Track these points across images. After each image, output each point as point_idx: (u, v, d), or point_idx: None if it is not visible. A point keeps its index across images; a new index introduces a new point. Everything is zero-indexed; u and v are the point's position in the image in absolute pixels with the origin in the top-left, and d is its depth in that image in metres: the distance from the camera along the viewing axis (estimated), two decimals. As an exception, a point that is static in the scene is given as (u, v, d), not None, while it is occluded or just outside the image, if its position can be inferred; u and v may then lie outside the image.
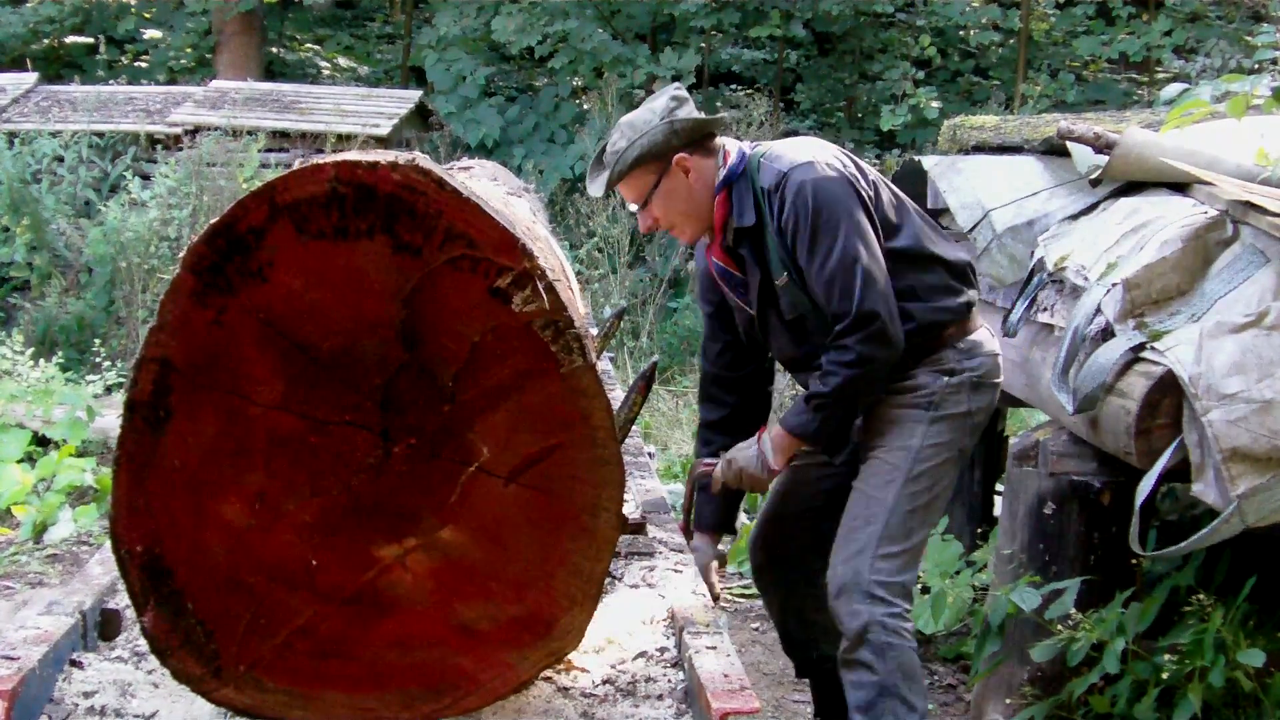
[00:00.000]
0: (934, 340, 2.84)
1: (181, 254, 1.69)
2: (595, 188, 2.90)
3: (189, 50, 14.68)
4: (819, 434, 2.83)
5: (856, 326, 2.68)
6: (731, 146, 2.90)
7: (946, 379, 2.83)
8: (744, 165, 2.85)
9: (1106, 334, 3.14)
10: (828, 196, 2.70)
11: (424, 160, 1.67)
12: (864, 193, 2.77)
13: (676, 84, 2.98)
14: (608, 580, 2.48)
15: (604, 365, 4.60)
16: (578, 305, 2.31)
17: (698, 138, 2.85)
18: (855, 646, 2.78)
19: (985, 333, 2.95)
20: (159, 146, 10.25)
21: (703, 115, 2.89)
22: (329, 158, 1.67)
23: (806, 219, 2.70)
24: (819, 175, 2.73)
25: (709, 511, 3.08)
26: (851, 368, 2.71)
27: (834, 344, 2.73)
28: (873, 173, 2.90)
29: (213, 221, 1.67)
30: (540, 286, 1.65)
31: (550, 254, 2.13)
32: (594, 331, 4.31)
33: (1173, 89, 3.88)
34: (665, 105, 2.84)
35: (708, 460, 3.05)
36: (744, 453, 2.91)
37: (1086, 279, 3.33)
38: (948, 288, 2.87)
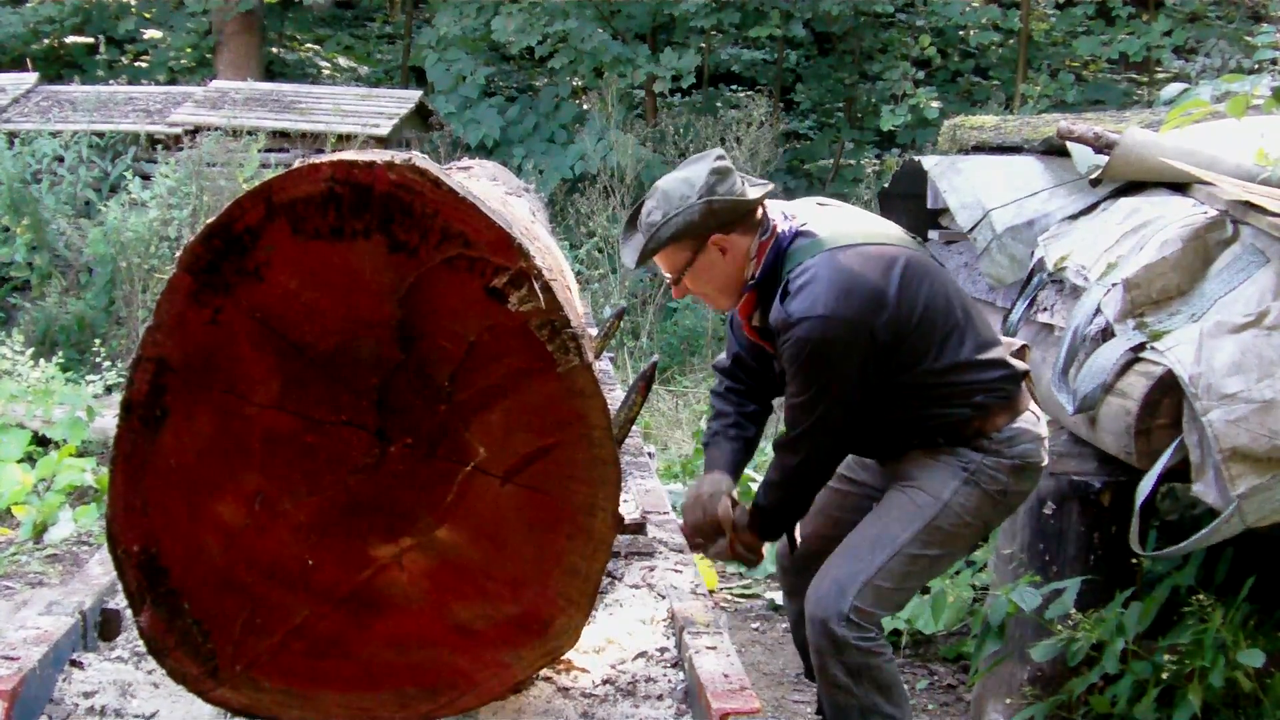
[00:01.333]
0: (967, 432, 2.75)
1: (178, 254, 1.69)
2: (628, 256, 2.81)
3: (189, 50, 14.69)
4: (765, 532, 2.90)
5: (788, 449, 2.77)
6: (769, 234, 2.74)
7: (986, 457, 2.74)
8: (775, 265, 2.72)
9: (1106, 334, 3.14)
10: (818, 361, 2.61)
11: (420, 160, 1.66)
12: (879, 340, 2.62)
13: (719, 153, 2.79)
14: (608, 580, 2.48)
15: (604, 365, 4.59)
16: (575, 305, 2.30)
17: (737, 217, 2.72)
18: (826, 666, 2.76)
19: (1030, 416, 2.79)
20: (159, 146, 10.25)
21: (743, 191, 2.73)
22: (325, 158, 1.67)
23: (794, 364, 2.65)
24: (824, 335, 2.58)
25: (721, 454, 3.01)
26: (778, 490, 2.83)
27: (774, 446, 2.83)
28: (911, 286, 2.67)
29: (209, 221, 1.67)
30: (536, 286, 1.65)
31: (548, 253, 2.12)
32: (594, 331, 4.30)
33: (1173, 89, 3.88)
34: (705, 181, 2.69)
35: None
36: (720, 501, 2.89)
37: (1086, 279, 3.33)
38: (980, 388, 2.72)
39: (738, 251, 2.74)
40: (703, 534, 2.87)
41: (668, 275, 2.83)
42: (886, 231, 2.84)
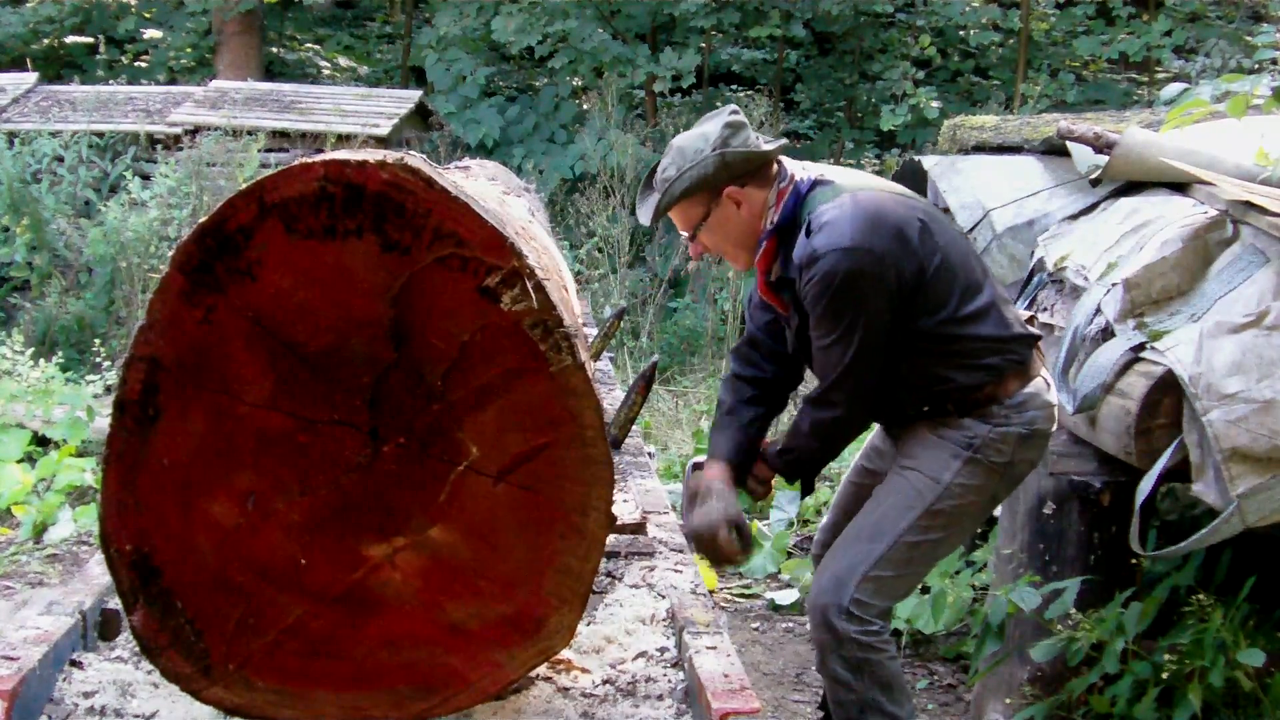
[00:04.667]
0: (979, 397, 2.72)
1: (171, 252, 1.68)
2: (644, 214, 2.81)
3: (189, 50, 14.69)
4: (786, 471, 2.88)
5: (819, 404, 2.73)
6: (787, 183, 2.74)
7: (993, 427, 2.70)
8: (795, 210, 2.71)
9: (1106, 334, 3.13)
10: (846, 288, 2.57)
11: (413, 159, 1.66)
12: (904, 274, 2.60)
13: (733, 108, 2.80)
14: (607, 580, 2.47)
15: (604, 365, 4.59)
16: (571, 304, 2.30)
17: (751, 170, 2.73)
18: (827, 660, 2.74)
19: (1041, 382, 2.76)
20: (159, 146, 10.25)
21: (758, 145, 2.73)
22: (318, 157, 1.66)
23: (820, 301, 2.60)
24: (847, 268, 2.55)
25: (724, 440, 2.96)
26: (809, 436, 2.78)
27: (803, 400, 2.79)
28: (930, 232, 2.66)
29: (201, 220, 1.66)
30: (529, 285, 1.64)
31: (544, 253, 2.12)
32: (593, 332, 4.30)
33: (1173, 89, 3.87)
34: (719, 134, 2.70)
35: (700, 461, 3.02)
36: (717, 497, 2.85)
37: (1086, 279, 3.32)
38: (994, 349, 2.70)
39: (753, 204, 2.74)
40: (704, 549, 2.83)
41: (684, 233, 2.83)
42: (904, 190, 2.84)
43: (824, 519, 3.25)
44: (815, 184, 2.73)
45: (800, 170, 2.77)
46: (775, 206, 2.72)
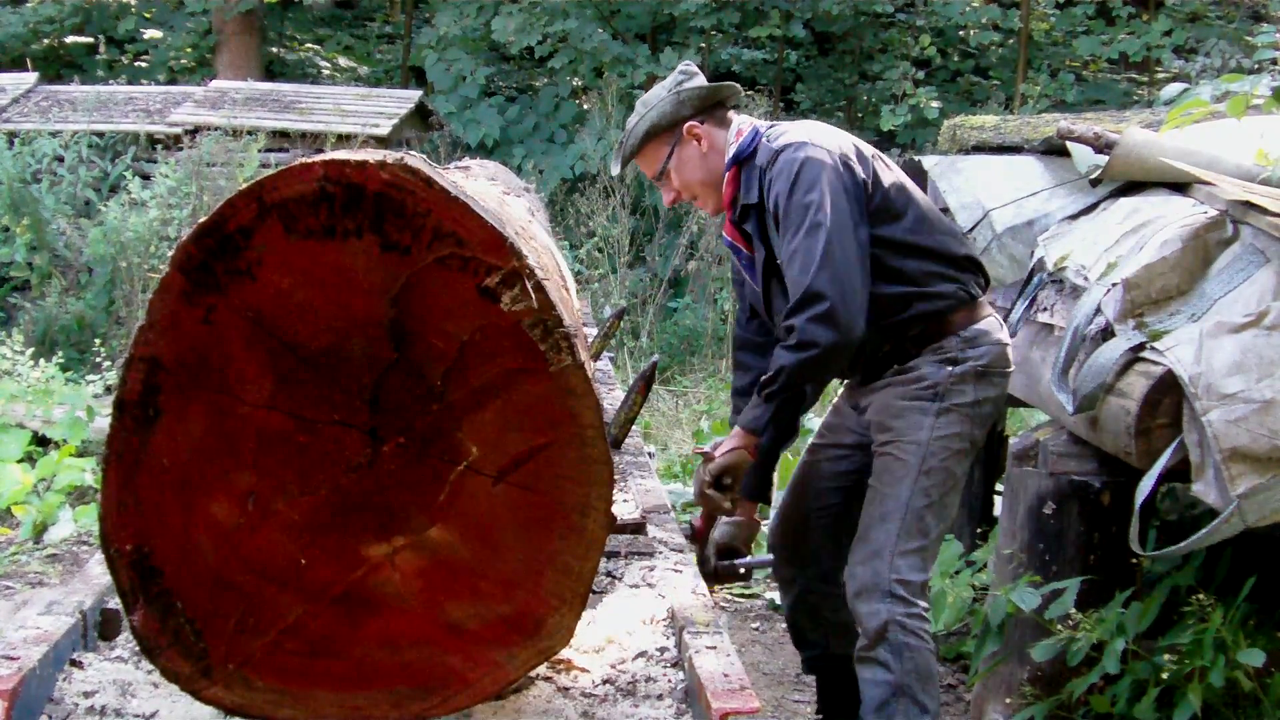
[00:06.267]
0: (935, 326, 2.82)
1: (171, 252, 1.68)
2: (615, 165, 3.01)
3: (189, 50, 14.69)
4: (767, 425, 2.81)
5: (802, 306, 2.65)
6: (746, 124, 2.92)
7: (950, 369, 2.79)
8: (754, 144, 2.86)
9: (1106, 334, 3.13)
10: (811, 174, 2.70)
11: (412, 159, 1.66)
12: (858, 176, 2.77)
13: (687, 61, 3.03)
14: (607, 580, 2.47)
15: (604, 365, 4.59)
16: (570, 304, 2.30)
17: (707, 106, 2.90)
18: (873, 645, 2.78)
19: (993, 321, 2.90)
20: (159, 146, 10.25)
21: (711, 84, 2.92)
22: (317, 157, 1.66)
23: (786, 192, 2.71)
24: (808, 154, 2.73)
25: (747, 480, 3.01)
26: (795, 351, 2.66)
27: (784, 324, 2.70)
28: (881, 161, 2.89)
29: (201, 220, 1.66)
30: (529, 285, 1.64)
31: (543, 253, 2.12)
32: (593, 332, 4.30)
33: (1173, 89, 3.87)
34: (673, 79, 2.92)
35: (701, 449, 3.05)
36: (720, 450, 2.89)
37: (1086, 279, 3.32)
38: (947, 275, 2.84)
39: (715, 140, 2.91)
40: (697, 501, 2.94)
41: (655, 181, 2.97)
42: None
43: (778, 505, 3.29)
44: (772, 126, 2.93)
45: (759, 121, 2.97)
46: (734, 141, 2.89)
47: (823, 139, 2.80)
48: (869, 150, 2.88)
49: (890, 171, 2.88)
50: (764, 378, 2.76)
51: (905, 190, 2.87)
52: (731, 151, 2.87)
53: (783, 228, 2.72)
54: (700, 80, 2.92)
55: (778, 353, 2.71)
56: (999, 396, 2.91)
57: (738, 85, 3.01)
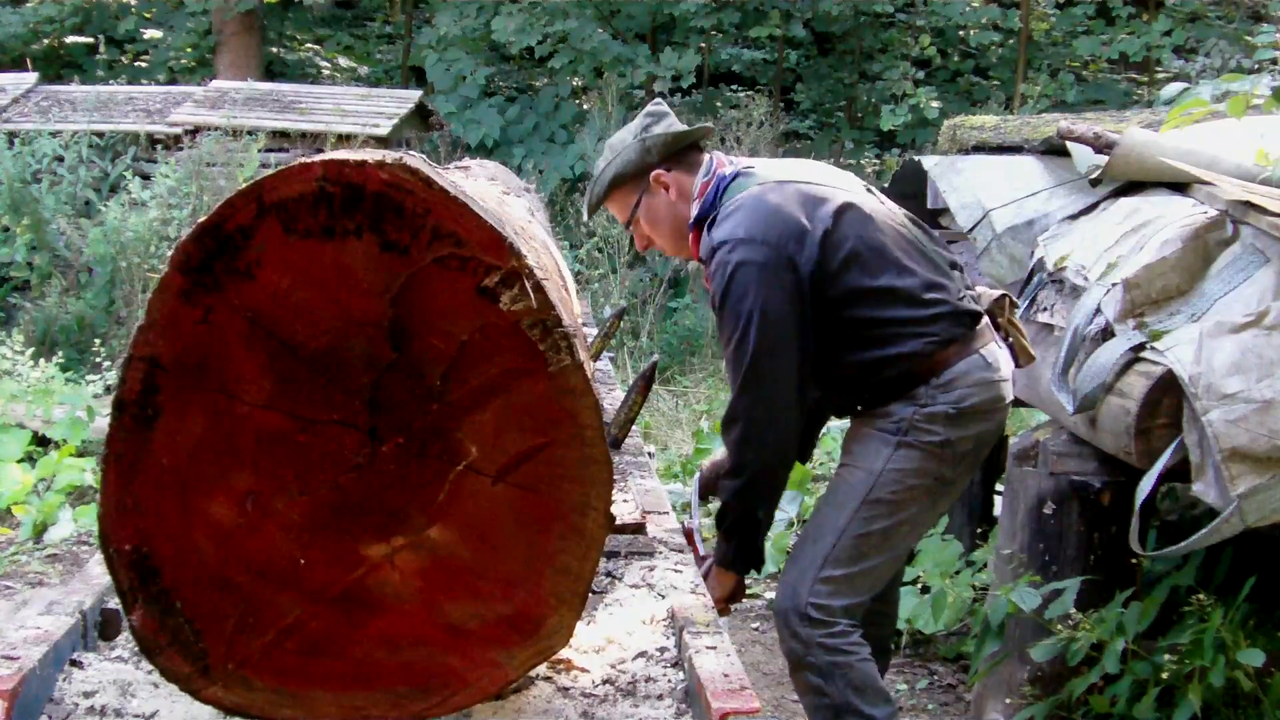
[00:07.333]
0: (904, 381, 2.70)
1: (170, 252, 1.68)
2: (585, 210, 2.96)
3: (189, 50, 14.70)
4: (736, 558, 2.77)
5: (727, 427, 2.67)
6: (714, 171, 2.77)
7: (917, 408, 2.68)
8: (715, 202, 2.73)
9: (1106, 334, 3.13)
10: (742, 281, 2.56)
11: (412, 159, 1.66)
12: (802, 271, 2.59)
13: (657, 99, 2.96)
14: (607, 580, 2.47)
15: (604, 365, 4.58)
16: (570, 304, 2.30)
17: (673, 153, 2.80)
18: (798, 669, 2.74)
19: (975, 359, 2.71)
20: (159, 146, 10.26)
21: (678, 129, 2.81)
22: (317, 157, 1.66)
23: (720, 296, 2.62)
24: (741, 258, 2.57)
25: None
26: (731, 479, 2.69)
27: (720, 428, 2.72)
28: (858, 210, 2.68)
29: (200, 220, 1.66)
30: (528, 285, 1.64)
31: (543, 253, 2.11)
32: (593, 332, 4.29)
33: (1173, 89, 3.87)
34: (640, 123, 2.83)
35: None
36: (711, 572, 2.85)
37: (1086, 279, 3.32)
38: (915, 332, 2.67)
39: (682, 189, 2.81)
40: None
41: (626, 228, 2.92)
42: (837, 180, 2.81)
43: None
44: (737, 175, 2.76)
45: (729, 164, 2.82)
46: (698, 198, 2.78)
47: (764, 229, 2.58)
48: (828, 215, 2.63)
49: (851, 230, 2.65)
50: (717, 513, 2.77)
51: (861, 255, 2.65)
52: (695, 212, 2.77)
53: (719, 329, 2.66)
54: (669, 122, 2.81)
55: (721, 484, 2.75)
56: (983, 433, 2.76)
57: (709, 126, 2.92)
